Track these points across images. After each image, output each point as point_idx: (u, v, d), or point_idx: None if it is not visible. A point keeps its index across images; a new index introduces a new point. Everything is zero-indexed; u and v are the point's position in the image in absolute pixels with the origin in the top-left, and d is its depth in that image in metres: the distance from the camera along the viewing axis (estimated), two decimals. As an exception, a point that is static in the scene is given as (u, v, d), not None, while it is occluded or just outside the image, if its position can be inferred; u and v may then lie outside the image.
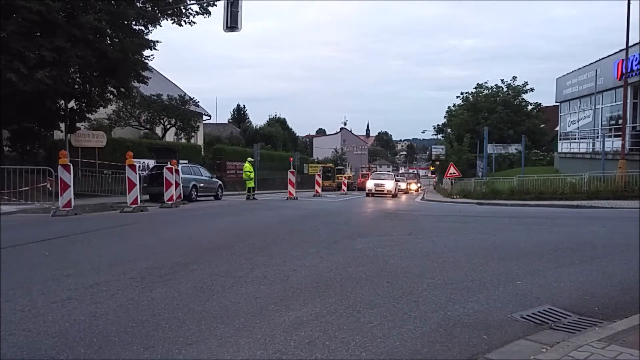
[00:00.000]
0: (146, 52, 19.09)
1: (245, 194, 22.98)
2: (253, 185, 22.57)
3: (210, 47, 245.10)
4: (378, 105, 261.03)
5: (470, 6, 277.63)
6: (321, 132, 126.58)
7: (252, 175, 22.57)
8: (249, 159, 23.78)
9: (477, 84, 47.78)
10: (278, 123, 66.45)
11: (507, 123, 42.37)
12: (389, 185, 29.11)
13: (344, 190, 34.75)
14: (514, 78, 45.86)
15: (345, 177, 42.20)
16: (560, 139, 33.27)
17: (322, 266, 5.57)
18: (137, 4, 18.42)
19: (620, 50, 22.70)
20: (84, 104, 19.39)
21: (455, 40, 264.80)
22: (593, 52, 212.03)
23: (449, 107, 53.00)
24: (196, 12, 19.52)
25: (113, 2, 17.25)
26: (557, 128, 35.48)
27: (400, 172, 79.15)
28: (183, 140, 33.36)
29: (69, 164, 12.37)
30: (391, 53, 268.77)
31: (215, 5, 19.39)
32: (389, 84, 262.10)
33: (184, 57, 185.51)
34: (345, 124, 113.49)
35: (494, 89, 46.27)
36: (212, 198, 21.54)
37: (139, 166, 17.12)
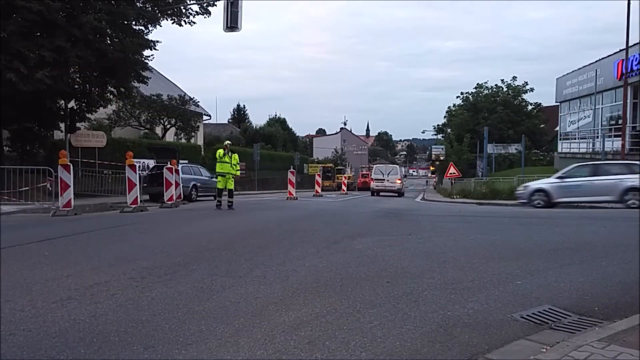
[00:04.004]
0: (146, 52, 19.12)
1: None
2: (232, 187, 14.91)
3: (196, 49, 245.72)
4: (372, 105, 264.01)
5: (443, 8, 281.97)
6: (321, 132, 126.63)
7: (232, 169, 14.80)
8: (227, 142, 15.99)
9: (477, 84, 47.89)
10: (278, 123, 66.55)
11: (507, 123, 42.40)
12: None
13: (344, 191, 34.74)
14: (514, 78, 45.97)
15: (345, 177, 42.18)
16: (560, 139, 33.29)
17: (322, 266, 5.57)
18: (137, 4, 18.42)
19: (620, 50, 22.72)
20: (84, 104, 19.39)
21: (436, 42, 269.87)
22: (570, 53, 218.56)
23: (448, 107, 53.09)
24: (196, 12, 19.54)
25: (113, 2, 17.26)
26: (557, 128, 35.51)
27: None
28: (183, 140, 33.36)
29: (69, 164, 12.36)
30: (376, 55, 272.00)
31: (215, 5, 19.41)
32: (378, 84, 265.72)
33: (170, 57, 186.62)
34: (345, 124, 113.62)
35: (494, 89, 46.30)
36: (212, 198, 21.54)
37: (139, 166, 17.12)
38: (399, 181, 30.01)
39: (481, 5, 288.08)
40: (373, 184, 30.82)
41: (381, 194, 29.73)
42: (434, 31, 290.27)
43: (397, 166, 36.08)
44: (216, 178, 15.21)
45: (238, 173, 14.82)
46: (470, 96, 47.71)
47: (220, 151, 14.90)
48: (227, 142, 15.87)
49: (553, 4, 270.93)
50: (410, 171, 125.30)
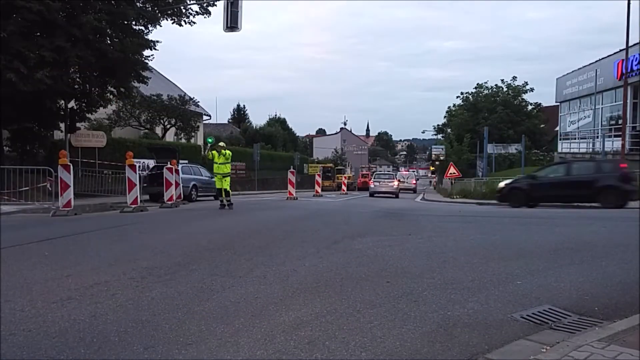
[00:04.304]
0: (146, 52, 19.13)
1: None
2: (227, 187, 14.98)
3: (196, 49, 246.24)
4: (372, 105, 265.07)
5: (443, 9, 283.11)
6: (321, 132, 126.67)
7: (220, 168, 14.96)
8: (221, 143, 16.02)
9: (477, 84, 47.91)
10: (278, 123, 66.57)
11: (507, 123, 42.42)
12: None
13: (344, 191, 34.76)
14: (514, 78, 45.99)
15: (345, 177, 42.21)
16: (560, 139, 33.31)
17: (322, 266, 5.56)
18: (137, 4, 18.43)
19: (620, 50, 22.73)
20: (84, 104, 19.40)
21: (435, 42, 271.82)
22: (569, 53, 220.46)
23: (448, 107, 53.12)
24: (196, 12, 19.55)
25: (113, 2, 17.26)
26: (557, 128, 35.52)
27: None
28: (183, 140, 33.36)
29: (69, 164, 12.36)
30: (376, 55, 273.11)
31: (215, 5, 19.42)
32: (378, 84, 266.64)
33: (170, 57, 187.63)
34: (345, 124, 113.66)
35: (494, 89, 46.31)
36: (212, 198, 21.54)
37: (139, 166, 17.12)
38: (414, 182, 45.25)
39: (480, 5, 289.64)
40: None
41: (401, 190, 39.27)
42: (433, 31, 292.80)
43: (413, 172, 56.85)
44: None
45: (227, 170, 15.09)
46: (470, 96, 47.72)
47: (215, 152, 15.09)
48: (221, 143, 16.10)
49: (552, 4, 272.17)
50: (411, 171, 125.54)
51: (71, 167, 12.47)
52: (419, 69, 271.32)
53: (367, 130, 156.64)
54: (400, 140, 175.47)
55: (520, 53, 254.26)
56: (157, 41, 18.88)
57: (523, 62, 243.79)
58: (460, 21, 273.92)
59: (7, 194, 14.18)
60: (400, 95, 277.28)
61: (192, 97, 32.78)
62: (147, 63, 19.47)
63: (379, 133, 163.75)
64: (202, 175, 21.41)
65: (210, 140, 15.67)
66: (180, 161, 19.59)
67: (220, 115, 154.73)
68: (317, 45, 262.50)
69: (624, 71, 21.64)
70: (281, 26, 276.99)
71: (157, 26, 19.43)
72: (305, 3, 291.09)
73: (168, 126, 30.94)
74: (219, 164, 14.94)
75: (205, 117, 40.32)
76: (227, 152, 15.14)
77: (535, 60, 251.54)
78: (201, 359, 2.95)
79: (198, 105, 35.21)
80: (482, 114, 43.95)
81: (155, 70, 28.18)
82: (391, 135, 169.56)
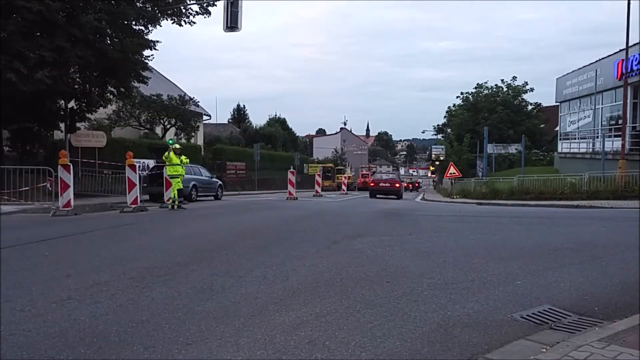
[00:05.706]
0: (146, 52, 19.13)
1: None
2: (181, 187, 15.15)
3: (196, 49, 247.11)
4: (372, 105, 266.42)
5: (434, 9, 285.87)
6: (321, 132, 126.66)
7: (182, 170, 15.11)
8: (176, 145, 15.52)
9: (477, 84, 47.91)
10: (278, 123, 66.56)
11: (507, 123, 42.42)
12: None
13: (344, 190, 34.77)
14: (514, 78, 45.99)
15: (345, 177, 42.23)
16: (560, 139, 33.29)
17: (322, 266, 5.56)
18: (137, 4, 18.43)
19: (620, 50, 22.71)
20: (84, 104, 19.39)
21: (429, 42, 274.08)
22: (564, 53, 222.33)
23: (449, 107, 53.14)
24: (196, 12, 19.56)
25: (113, 2, 17.26)
26: (557, 128, 35.51)
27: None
28: (183, 140, 33.37)
29: (69, 164, 12.35)
30: (371, 55, 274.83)
31: (215, 5, 19.43)
32: (376, 84, 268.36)
33: (170, 57, 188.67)
34: (345, 124, 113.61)
35: (494, 89, 46.31)
36: (212, 198, 21.55)
37: (139, 166, 17.12)
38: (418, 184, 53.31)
39: (472, 5, 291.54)
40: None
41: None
42: (427, 32, 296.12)
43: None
44: (178, 179, 14.90)
45: (183, 172, 15.43)
46: (470, 96, 47.72)
47: (172, 154, 14.87)
48: (177, 145, 15.78)
49: (544, 4, 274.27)
50: (410, 171, 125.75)
51: (71, 167, 12.46)
52: (415, 69, 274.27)
53: (367, 130, 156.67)
54: (400, 140, 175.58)
55: (515, 53, 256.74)
56: (157, 41, 18.90)
57: (518, 62, 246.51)
58: (453, 22, 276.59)
59: (7, 194, 14.18)
60: (398, 95, 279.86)
61: (192, 97, 32.78)
62: (147, 63, 19.46)
63: (379, 133, 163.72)
64: (202, 175, 21.41)
65: (170, 141, 15.58)
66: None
67: (220, 115, 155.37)
68: (314, 46, 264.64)
69: (624, 71, 21.62)
70: (277, 27, 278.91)
71: (157, 26, 19.45)
72: (304, 4, 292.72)
73: (168, 126, 30.93)
74: (179, 165, 14.88)
75: (205, 117, 40.30)
76: (183, 157, 15.28)
77: (530, 60, 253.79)
78: (201, 359, 2.96)
79: (198, 105, 35.20)
80: (482, 114, 43.94)
81: (155, 70, 28.18)
82: (391, 135, 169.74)
